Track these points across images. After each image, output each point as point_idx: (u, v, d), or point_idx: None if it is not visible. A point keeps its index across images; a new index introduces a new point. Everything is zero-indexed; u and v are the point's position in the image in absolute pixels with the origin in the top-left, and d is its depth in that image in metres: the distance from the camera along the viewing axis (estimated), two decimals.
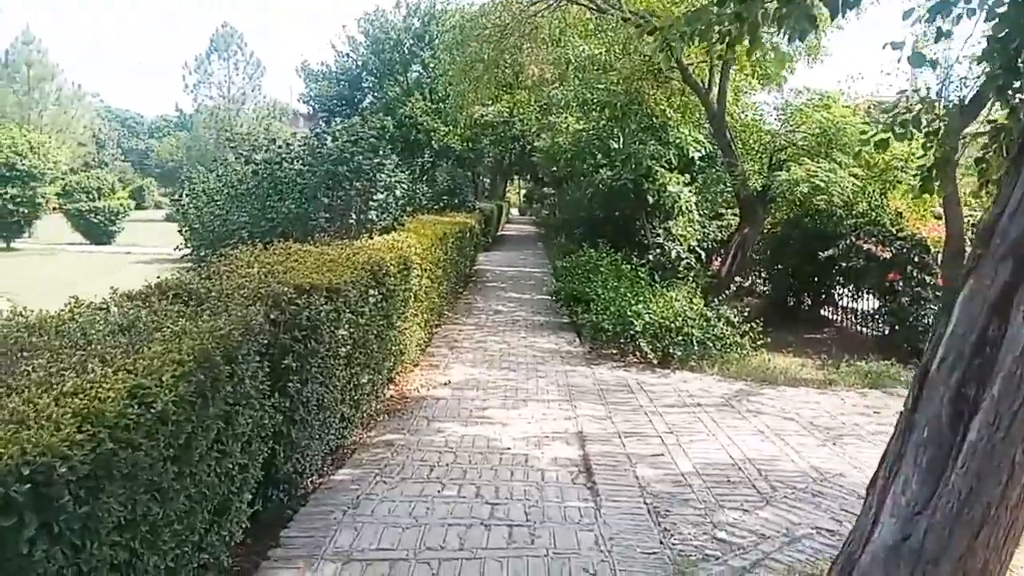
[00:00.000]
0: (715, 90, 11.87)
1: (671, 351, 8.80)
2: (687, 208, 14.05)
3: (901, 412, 2.92)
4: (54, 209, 28.24)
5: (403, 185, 8.83)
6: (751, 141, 12.62)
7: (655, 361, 8.84)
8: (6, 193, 22.73)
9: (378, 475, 5.30)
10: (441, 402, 7.38)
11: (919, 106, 4.00)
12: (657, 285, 10.88)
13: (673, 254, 13.89)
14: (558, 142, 16.06)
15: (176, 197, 9.11)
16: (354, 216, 7.79)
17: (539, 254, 26.11)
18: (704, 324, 9.07)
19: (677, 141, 14.60)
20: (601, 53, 16.32)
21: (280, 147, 8.57)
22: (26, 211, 23.68)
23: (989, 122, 3.68)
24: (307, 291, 4.73)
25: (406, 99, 20.47)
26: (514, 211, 60.17)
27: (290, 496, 4.67)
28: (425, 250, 8.82)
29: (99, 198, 27.62)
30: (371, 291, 5.99)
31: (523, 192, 63.34)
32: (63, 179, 27.97)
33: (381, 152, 8.73)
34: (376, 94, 25.17)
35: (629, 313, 9.19)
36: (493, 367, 8.94)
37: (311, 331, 4.57)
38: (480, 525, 4.42)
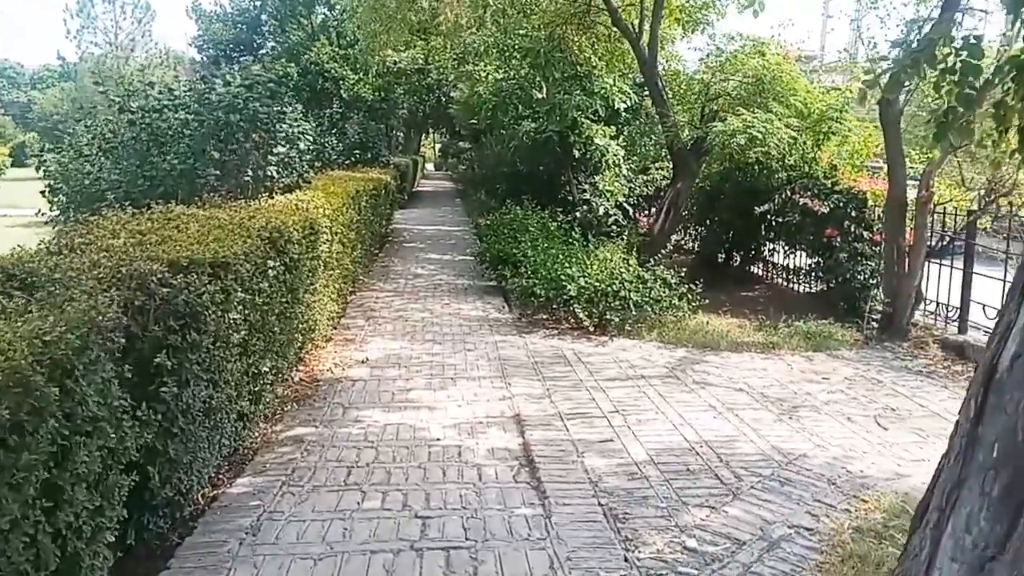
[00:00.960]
0: (646, 35, 11.15)
1: (608, 317, 8.19)
2: (615, 162, 13.45)
3: (956, 423, 2.29)
4: None
5: (308, 137, 7.76)
6: (682, 90, 12.03)
7: (591, 328, 8.22)
8: None
9: (284, 483, 4.46)
10: (358, 384, 6.54)
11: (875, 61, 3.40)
12: (588, 245, 10.22)
13: (601, 211, 13.30)
14: (477, 92, 15.09)
15: (37, 152, 7.71)
16: (250, 173, 6.72)
17: (458, 211, 25.16)
18: (641, 287, 8.49)
19: (602, 91, 13.92)
20: None
21: (161, 93, 7.34)
22: None
23: (1011, 58, 3.06)
24: (185, 268, 3.79)
25: (311, 44, 18.78)
26: (430, 166, 58.60)
27: (172, 522, 3.78)
28: (335, 211, 7.84)
29: None
30: (270, 263, 5.06)
31: (438, 147, 61.74)
32: None
33: (282, 99, 7.61)
34: (278, 38, 23.13)
35: (562, 277, 8.50)
36: (416, 340, 8.12)
37: (191, 319, 3.65)
38: (410, 550, 3.67)
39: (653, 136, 13.20)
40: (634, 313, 8.36)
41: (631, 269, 8.69)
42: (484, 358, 7.41)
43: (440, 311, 9.60)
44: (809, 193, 10.07)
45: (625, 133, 15.10)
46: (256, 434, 5.18)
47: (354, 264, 9.79)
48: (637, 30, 11.28)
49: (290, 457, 4.90)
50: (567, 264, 8.85)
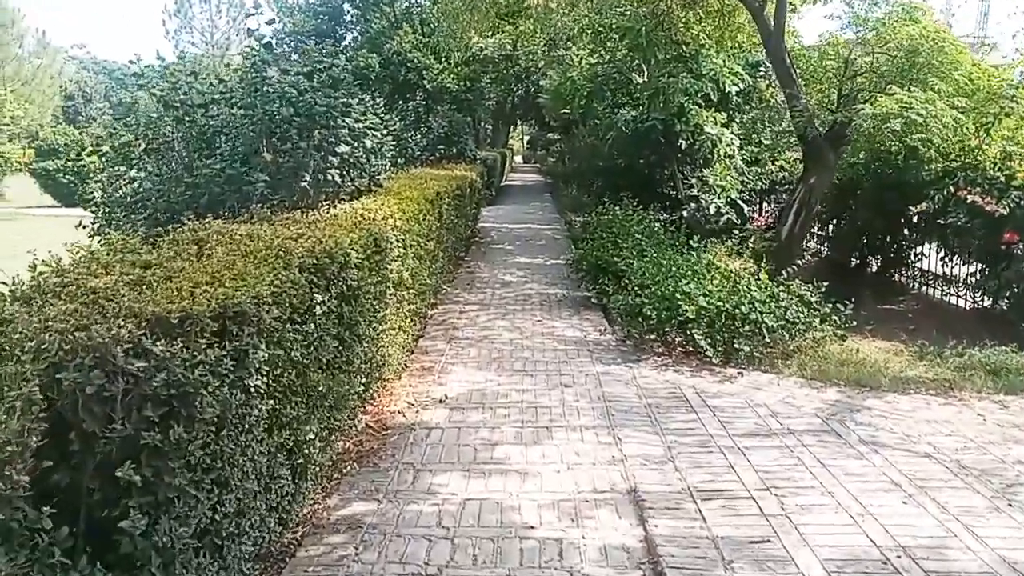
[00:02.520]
0: (770, 4, 9.51)
1: (736, 346, 6.72)
2: (728, 153, 11.84)
3: None
4: (20, 170, 25.98)
5: (377, 134, 6.62)
6: (812, 68, 10.30)
7: (713, 359, 6.77)
8: None
9: None
10: (434, 434, 5.35)
11: None
12: (697, 251, 8.72)
13: (712, 209, 11.74)
14: (570, 78, 13.71)
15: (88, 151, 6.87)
16: (307, 178, 5.63)
17: (548, 207, 23.88)
18: (774, 307, 6.97)
19: (711, 73, 12.32)
20: None
21: (210, 84, 6.36)
22: None
23: None
24: (176, 326, 2.65)
25: (393, 33, 17.87)
26: (518, 159, 57.64)
27: None
28: (410, 219, 6.69)
29: (69, 156, 25.30)
30: (317, 297, 3.91)
31: (527, 138, 60.56)
32: (31, 137, 25.65)
33: (346, 89, 6.51)
34: (360, 28, 22.33)
35: (677, 295, 7.08)
36: (503, 368, 6.90)
37: (179, 403, 2.51)
38: None
39: (772, 123, 11.47)
40: (767, 339, 6.87)
41: (762, 285, 7.16)
42: (585, 397, 6.10)
43: (531, 330, 8.34)
44: (979, 189, 8.23)
45: (738, 120, 13.43)
46: (300, 514, 4.05)
47: (434, 277, 8.65)
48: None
49: (341, 554, 3.74)
50: (682, 278, 7.41)
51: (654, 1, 12.39)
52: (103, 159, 6.35)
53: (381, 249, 5.26)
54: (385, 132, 12.15)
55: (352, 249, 4.58)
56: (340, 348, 4.39)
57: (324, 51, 6.30)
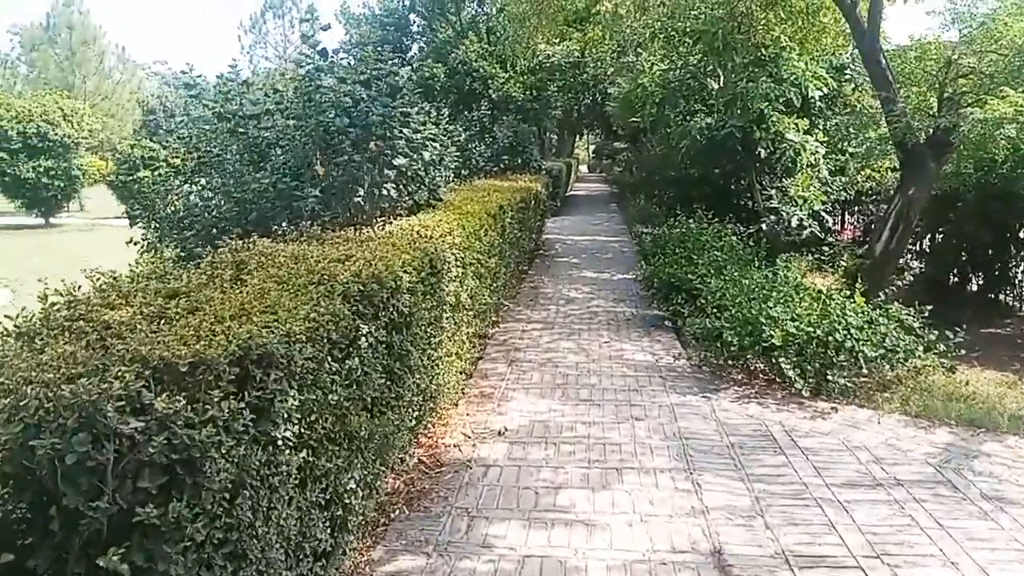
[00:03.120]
0: (864, 0, 8.75)
1: (829, 377, 6.03)
2: (812, 162, 11.05)
3: None
4: (98, 181, 26.88)
5: (436, 144, 6.21)
6: (909, 70, 9.45)
7: (804, 392, 6.10)
8: (39, 166, 21.16)
9: None
10: (492, 472, 4.88)
11: None
12: (788, 270, 8.01)
13: (793, 221, 10.95)
14: (641, 83, 13.10)
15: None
16: (362, 192, 5.26)
17: (614, 218, 23.23)
18: (873, 334, 6.25)
19: (792, 77, 11.55)
20: None
21: (265, 94, 6.09)
22: (63, 184, 22.13)
23: None
24: (186, 374, 2.26)
25: (459, 42, 17.64)
26: (583, 168, 57.08)
27: None
28: (471, 235, 6.27)
29: (144, 169, 26.02)
30: (363, 328, 3.49)
31: (592, 148, 59.86)
32: (111, 150, 26.55)
33: (407, 97, 6.13)
34: (426, 38, 22.21)
35: (762, 319, 6.43)
36: (568, 397, 6.38)
37: (184, 469, 2.11)
38: None
39: (861, 130, 10.60)
40: (864, 370, 6.16)
41: (858, 308, 6.44)
42: (659, 433, 5.53)
43: (598, 352, 7.80)
44: None
45: (821, 126, 12.59)
46: (340, 570, 3.63)
47: (496, 295, 8.20)
48: None
49: None
50: (766, 300, 6.75)
51: (732, 2, 11.72)
52: (155, 173, 6.14)
53: (437, 270, 4.84)
54: (448, 143, 11.85)
55: (404, 272, 4.16)
56: (389, 383, 3.97)
57: (383, 58, 5.90)
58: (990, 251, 9.36)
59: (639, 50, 17.65)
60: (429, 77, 16.62)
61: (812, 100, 11.86)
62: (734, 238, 10.24)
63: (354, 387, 3.43)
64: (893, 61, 9.64)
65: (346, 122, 5.19)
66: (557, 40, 15.97)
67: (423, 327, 4.58)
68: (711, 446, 5.26)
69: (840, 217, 13.78)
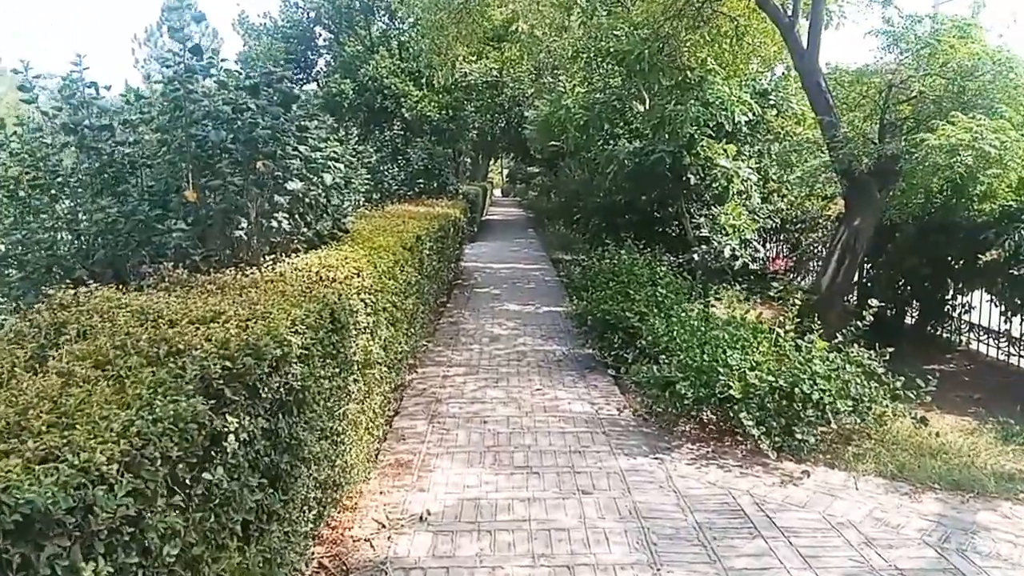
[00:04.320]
0: (802, 20, 8.30)
1: (798, 436, 5.31)
2: (744, 189, 10.59)
3: None
4: None
5: (340, 166, 5.15)
6: (846, 94, 9.09)
7: (769, 451, 5.35)
8: None
9: None
10: None
11: None
12: (732, 304, 7.35)
13: (726, 252, 10.41)
14: (565, 105, 12.42)
15: None
16: (245, 224, 4.17)
17: (532, 244, 22.56)
18: (839, 382, 5.59)
19: (718, 102, 11.11)
20: None
21: (127, 101, 4.91)
22: None
23: None
24: None
25: (369, 57, 16.56)
26: (496, 192, 56.64)
27: None
28: (384, 274, 5.24)
29: None
30: (230, 423, 2.44)
31: (506, 171, 59.51)
32: None
33: (304, 108, 5.10)
34: (333, 52, 20.89)
35: (718, 367, 5.67)
36: (500, 463, 5.41)
37: None
38: None
39: (800, 156, 10.20)
40: (833, 426, 5.49)
41: (824, 355, 5.78)
42: (612, 511, 4.63)
43: (530, 403, 6.88)
44: None
45: (746, 153, 12.23)
46: None
47: (413, 338, 7.17)
48: (791, 12, 8.41)
49: None
50: (717, 345, 6.01)
51: (656, 23, 11.22)
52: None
53: (341, 325, 3.80)
54: (358, 164, 10.76)
55: (296, 332, 3.12)
56: (272, 488, 2.91)
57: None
58: (926, 284, 9.04)
59: (557, 72, 17.11)
60: (336, 94, 15.47)
61: (738, 125, 11.46)
62: (663, 268, 9.57)
63: (215, 512, 2.37)
64: (831, 83, 9.28)
65: (223, 136, 4.10)
66: (475, 58, 15.20)
67: (322, 401, 3.53)
68: (676, 529, 4.40)
69: (765, 246, 13.45)
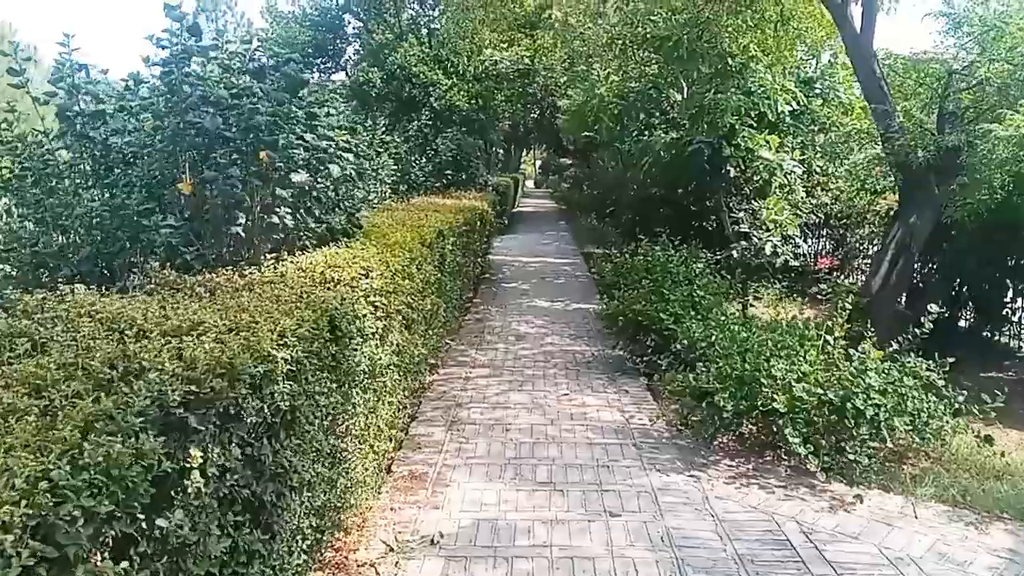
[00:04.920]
0: (853, 3, 7.71)
1: (851, 456, 4.83)
2: (787, 183, 10.02)
3: None
4: None
5: (351, 157, 4.76)
6: (901, 82, 8.46)
7: (817, 472, 4.88)
8: None
9: None
10: None
11: None
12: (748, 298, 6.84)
13: (768, 248, 9.84)
14: (599, 94, 11.92)
15: None
16: (242, 221, 3.82)
17: (564, 237, 22.09)
18: (895, 397, 5.08)
19: (761, 91, 10.50)
20: None
21: (127, 87, 4.59)
22: None
23: None
24: None
25: (397, 45, 16.18)
26: (529, 183, 56.12)
27: None
28: (398, 274, 4.86)
29: None
30: (194, 457, 2.08)
31: (538, 163, 58.91)
32: None
33: (315, 94, 4.73)
34: (361, 40, 20.53)
35: (762, 378, 5.20)
36: (522, 478, 5.02)
37: None
38: None
39: (864, 145, 9.55)
40: (889, 444, 5.00)
41: (876, 366, 5.26)
42: (642, 537, 4.21)
43: (556, 409, 6.47)
44: None
45: (790, 144, 11.61)
46: None
47: (434, 339, 6.80)
48: None
49: None
50: (759, 352, 5.53)
51: (696, 7, 10.66)
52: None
53: (343, 334, 3.42)
54: (384, 154, 10.41)
55: (282, 346, 2.75)
56: (253, 526, 2.55)
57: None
58: (985, 285, 8.41)
59: (591, 60, 16.58)
60: (364, 83, 15.14)
61: (782, 115, 10.85)
62: (700, 265, 9.05)
63: (171, 566, 2.01)
64: (888, 71, 8.62)
65: (219, 122, 3.74)
66: (505, 45, 14.75)
67: (318, 421, 3.16)
68: (713, 561, 3.96)
69: (807, 242, 12.82)
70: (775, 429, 5.18)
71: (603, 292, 10.22)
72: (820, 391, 5.04)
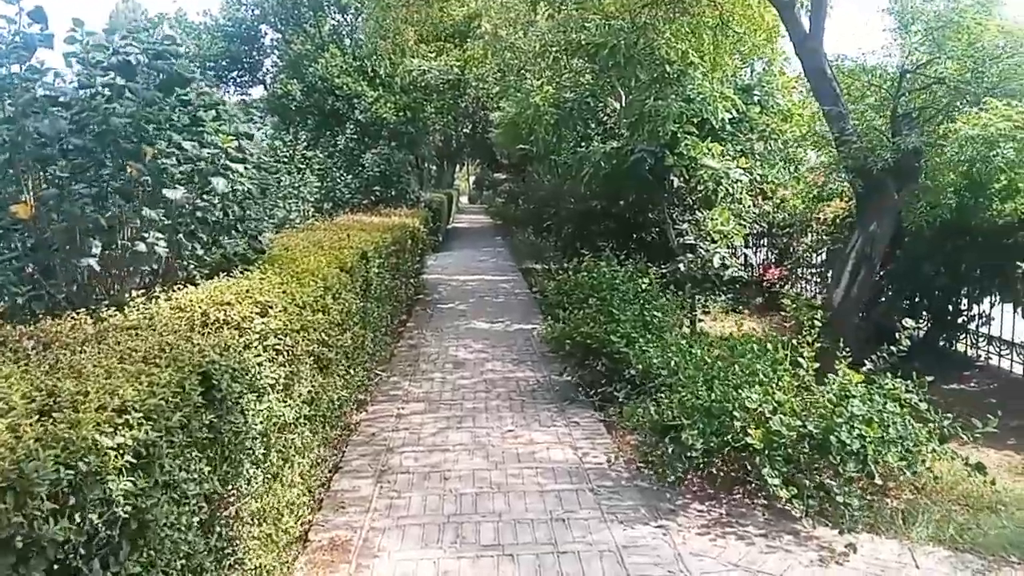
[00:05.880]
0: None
1: (839, 498, 4.25)
2: (735, 191, 9.60)
3: None
4: None
5: (242, 169, 3.91)
6: (851, 83, 8.11)
7: (801, 516, 4.29)
8: None
9: None
10: None
11: None
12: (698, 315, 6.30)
13: (715, 260, 9.38)
14: (533, 103, 11.34)
15: None
16: (95, 249, 2.99)
17: (501, 252, 21.45)
18: (882, 425, 4.54)
19: (699, 98, 10.12)
20: None
21: None
22: None
23: None
24: None
25: (318, 55, 15.27)
26: (463, 199, 55.50)
27: None
28: (308, 307, 4.07)
29: None
30: None
31: (472, 178, 58.33)
32: None
33: (206, 95, 3.92)
34: (279, 51, 19.46)
35: (733, 409, 4.60)
36: (464, 540, 4.27)
37: None
38: None
39: (813, 150, 9.20)
40: (877, 480, 4.45)
41: (858, 390, 4.73)
42: None
43: (501, 450, 5.74)
44: None
45: (729, 152, 11.26)
46: None
47: (356, 378, 5.99)
48: None
49: None
50: (735, 381, 4.94)
51: (632, 11, 10.22)
52: None
53: (222, 395, 2.63)
54: (305, 169, 9.57)
55: (120, 427, 1.96)
56: None
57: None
58: (938, 292, 8.11)
59: (524, 72, 16.06)
60: (283, 95, 14.21)
61: (722, 123, 10.50)
62: (650, 281, 8.49)
63: None
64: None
65: (63, 126, 2.91)
66: (433, 55, 14.06)
67: (186, 518, 2.35)
68: None
69: (754, 252, 12.51)
70: (750, 468, 4.59)
71: (546, 312, 9.59)
72: (799, 423, 4.47)
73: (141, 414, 2.05)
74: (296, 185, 11.16)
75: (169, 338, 2.63)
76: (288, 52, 16.65)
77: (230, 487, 2.77)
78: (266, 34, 20.28)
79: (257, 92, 19.64)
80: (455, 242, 25.00)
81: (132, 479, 1.96)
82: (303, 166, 11.67)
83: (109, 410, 1.96)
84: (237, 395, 2.75)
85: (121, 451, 1.93)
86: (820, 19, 7.12)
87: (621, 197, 10.85)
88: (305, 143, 12.47)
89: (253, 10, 19.46)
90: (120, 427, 1.96)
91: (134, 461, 1.98)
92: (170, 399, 2.22)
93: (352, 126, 13.46)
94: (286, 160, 11.48)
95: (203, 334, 2.82)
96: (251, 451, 2.97)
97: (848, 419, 4.44)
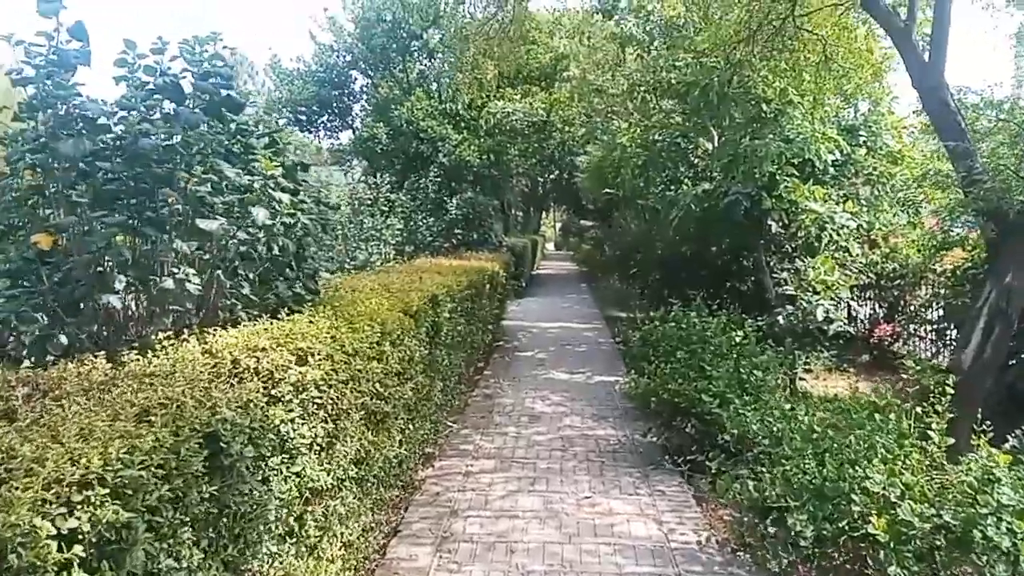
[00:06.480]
0: (920, 24, 6.63)
1: None
2: (842, 238, 8.79)
3: None
4: None
5: (287, 200, 3.53)
6: (976, 118, 7.28)
7: None
8: None
9: None
10: None
11: None
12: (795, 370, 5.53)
13: (818, 313, 8.55)
14: (620, 144, 10.89)
15: None
16: (120, 289, 2.67)
17: (585, 300, 20.85)
18: None
19: (799, 139, 9.45)
20: (678, 15, 11.40)
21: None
22: None
23: None
24: None
25: (404, 99, 15.39)
26: (549, 246, 55.39)
27: None
28: (356, 356, 3.66)
29: None
30: None
31: (559, 225, 58.22)
32: None
33: (262, 121, 3.64)
34: (368, 96, 19.80)
35: (852, 492, 3.87)
36: None
37: None
38: None
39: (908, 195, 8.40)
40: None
41: (1013, 477, 3.92)
42: None
43: (576, 520, 5.15)
44: None
45: (833, 197, 10.44)
46: None
47: (420, 432, 5.54)
48: (907, 16, 6.72)
49: None
50: (851, 455, 4.22)
51: (729, 45, 9.70)
52: None
53: (229, 461, 2.21)
54: (388, 212, 9.38)
55: (80, 505, 1.54)
56: None
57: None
58: None
59: (611, 115, 15.72)
60: (368, 138, 14.32)
61: (825, 164, 9.75)
62: (746, 335, 7.76)
63: None
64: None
65: (86, 148, 2.64)
66: (518, 96, 13.90)
67: None
68: None
69: (859, 305, 11.50)
70: (870, 561, 3.83)
71: (630, 364, 8.97)
72: (932, 511, 3.71)
73: (108, 489, 1.63)
74: (379, 227, 11.05)
75: (180, 390, 2.24)
76: (375, 96, 16.90)
77: (243, 569, 2.33)
78: (356, 79, 20.77)
79: (346, 137, 20.07)
80: (539, 288, 24.59)
81: None
82: (386, 208, 11.59)
83: (64, 484, 1.55)
84: (254, 460, 2.33)
85: (76, 538, 1.51)
86: (941, 44, 6.39)
87: (713, 243, 10.18)
88: (389, 186, 12.35)
89: (344, 56, 19.97)
90: (78, 506, 1.55)
91: (93, 552, 1.57)
92: (155, 468, 1.81)
93: (436, 169, 13.36)
94: (370, 203, 11.42)
95: (224, 385, 2.44)
96: (275, 524, 2.54)
97: (995, 510, 3.64)
